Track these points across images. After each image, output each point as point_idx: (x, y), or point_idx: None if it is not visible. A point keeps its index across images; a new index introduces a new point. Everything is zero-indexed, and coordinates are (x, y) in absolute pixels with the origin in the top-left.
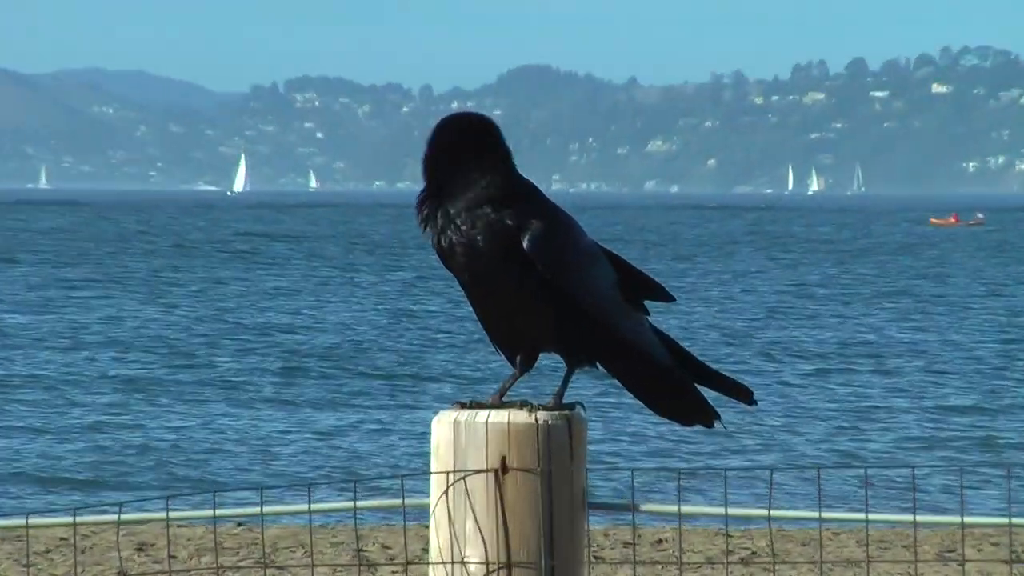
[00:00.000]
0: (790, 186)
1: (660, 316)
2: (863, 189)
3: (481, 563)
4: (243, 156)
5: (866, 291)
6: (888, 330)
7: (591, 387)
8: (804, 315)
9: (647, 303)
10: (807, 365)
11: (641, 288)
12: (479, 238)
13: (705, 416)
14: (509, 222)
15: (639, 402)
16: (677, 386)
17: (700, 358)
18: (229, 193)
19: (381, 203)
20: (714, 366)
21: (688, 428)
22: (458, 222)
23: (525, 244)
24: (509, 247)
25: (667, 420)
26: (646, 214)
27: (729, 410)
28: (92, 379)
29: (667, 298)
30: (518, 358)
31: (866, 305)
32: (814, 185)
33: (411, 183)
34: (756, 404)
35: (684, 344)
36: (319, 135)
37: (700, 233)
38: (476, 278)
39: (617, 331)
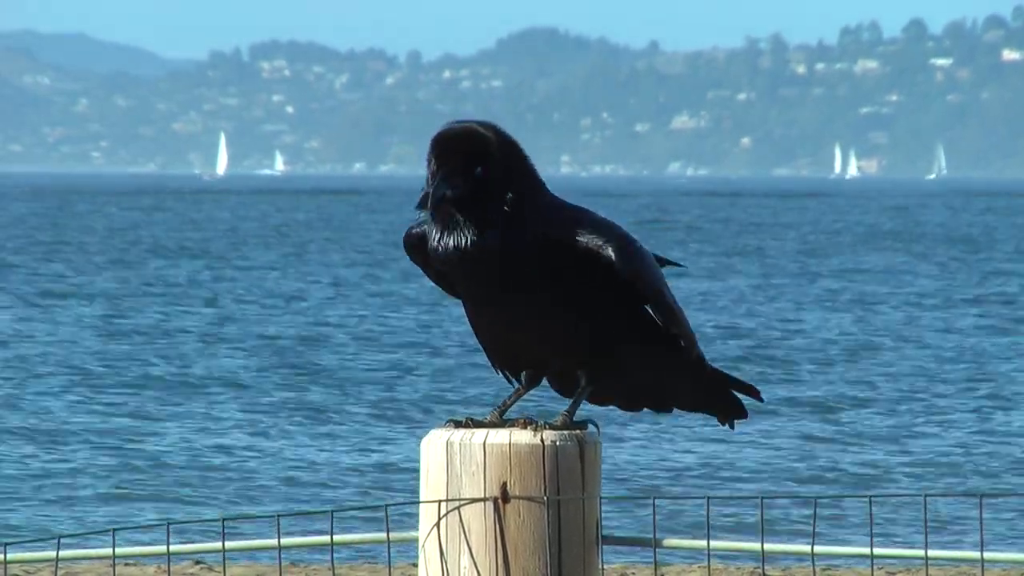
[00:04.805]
0: (836, 169)
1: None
2: (944, 172)
3: None
4: (223, 134)
5: None
6: None
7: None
8: None
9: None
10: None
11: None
12: (526, 248)
13: (738, 408)
14: (581, 239)
15: (669, 405)
16: (712, 377)
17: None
18: (207, 177)
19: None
20: None
21: (724, 427)
22: (489, 226)
23: (616, 261)
24: (585, 262)
25: (701, 415)
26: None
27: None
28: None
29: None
30: (522, 373)
31: None
32: (852, 168)
33: (396, 165)
34: (763, 400)
35: None
36: (289, 109)
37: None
38: (501, 290)
39: (681, 331)
